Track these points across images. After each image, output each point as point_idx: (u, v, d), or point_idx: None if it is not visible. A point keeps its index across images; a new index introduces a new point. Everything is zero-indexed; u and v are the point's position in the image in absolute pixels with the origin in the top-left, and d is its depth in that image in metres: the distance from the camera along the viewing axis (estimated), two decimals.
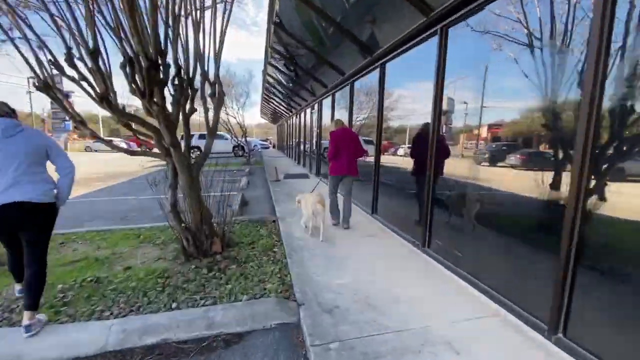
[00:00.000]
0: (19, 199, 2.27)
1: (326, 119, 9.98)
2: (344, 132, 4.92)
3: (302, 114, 14.57)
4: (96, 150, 29.35)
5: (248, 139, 34.53)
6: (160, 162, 4.35)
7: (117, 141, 30.65)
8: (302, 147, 14.99)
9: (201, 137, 20.51)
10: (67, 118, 25.64)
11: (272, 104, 19.91)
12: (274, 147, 40.54)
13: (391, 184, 5.52)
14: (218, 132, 17.06)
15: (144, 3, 3.00)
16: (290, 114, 18.10)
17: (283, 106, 17.94)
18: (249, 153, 14.09)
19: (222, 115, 12.47)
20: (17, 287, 2.81)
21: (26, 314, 2.35)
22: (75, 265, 3.73)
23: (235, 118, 12.99)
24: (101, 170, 13.53)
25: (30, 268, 2.41)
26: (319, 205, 4.42)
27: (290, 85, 12.40)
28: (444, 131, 3.79)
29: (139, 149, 4.16)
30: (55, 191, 2.53)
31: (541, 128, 2.63)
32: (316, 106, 11.00)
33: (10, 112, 2.45)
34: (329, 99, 9.55)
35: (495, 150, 3.13)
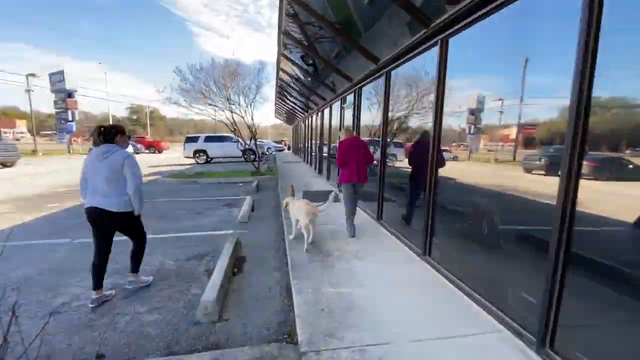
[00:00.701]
0: (105, 207, 2.97)
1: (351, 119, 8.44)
2: (353, 141, 4.98)
3: (322, 113, 12.37)
4: None
5: (261, 140, 33.29)
6: None
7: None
8: (317, 151, 13.20)
9: (208, 139, 19.66)
10: (70, 119, 25.06)
11: (286, 103, 18.38)
12: (288, 149, 38.25)
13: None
14: (226, 134, 15.99)
15: None
16: (307, 113, 17.10)
17: (299, 105, 16.66)
18: (259, 159, 12.65)
19: (227, 113, 11.60)
20: (93, 295, 3.09)
21: (130, 275, 3.34)
22: None
23: (243, 117, 11.41)
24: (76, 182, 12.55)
25: (135, 245, 3.32)
26: (314, 216, 4.42)
27: (309, 79, 11.31)
28: (470, 132, 3.40)
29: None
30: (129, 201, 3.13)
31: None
32: (350, 97, 9.31)
33: (104, 139, 3.03)
34: (351, 96, 8.20)
35: (554, 156, 2.47)
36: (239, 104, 11.26)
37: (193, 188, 9.63)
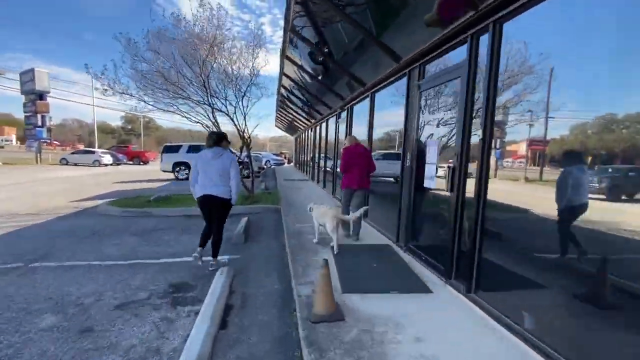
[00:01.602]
0: (215, 194, 3.87)
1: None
2: (357, 148, 5.07)
3: (343, 116, 9.60)
4: (76, 164, 24.91)
5: (259, 153, 29.33)
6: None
7: (101, 153, 26.59)
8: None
9: (192, 149, 16.06)
10: (39, 124, 21.48)
11: (288, 112, 15.65)
12: (289, 162, 34.50)
13: None
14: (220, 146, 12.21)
15: None
16: (312, 121, 13.80)
17: (303, 113, 13.64)
18: (253, 176, 9.04)
19: (213, 114, 7.99)
20: (197, 251, 3.99)
21: (211, 259, 4.03)
22: None
23: (231, 117, 7.81)
24: (27, 201, 8.73)
25: (215, 235, 4.05)
26: (339, 220, 4.56)
27: (318, 80, 8.06)
28: (497, 146, 2.93)
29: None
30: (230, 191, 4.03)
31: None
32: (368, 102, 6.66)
33: (216, 142, 4.04)
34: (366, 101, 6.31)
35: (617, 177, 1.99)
36: (225, 98, 7.66)
37: (138, 228, 5.89)
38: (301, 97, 11.75)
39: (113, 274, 3.75)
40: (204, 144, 10.72)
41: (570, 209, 2.18)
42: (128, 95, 7.32)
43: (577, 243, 2.12)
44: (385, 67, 4.83)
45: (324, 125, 11.52)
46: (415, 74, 4.18)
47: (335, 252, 4.25)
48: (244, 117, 8.30)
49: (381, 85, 5.45)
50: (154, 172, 18.11)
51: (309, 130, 15.73)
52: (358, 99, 6.85)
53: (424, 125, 4.04)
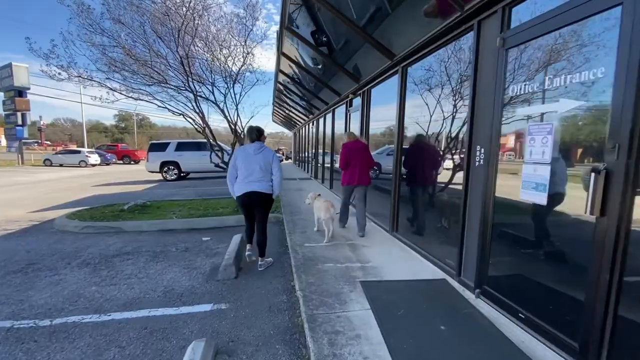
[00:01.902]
0: (258, 190, 3.78)
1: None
2: (356, 144, 5.02)
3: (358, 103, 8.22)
4: (61, 165, 23.31)
5: None
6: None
7: (87, 152, 24.98)
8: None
9: (182, 147, 14.50)
10: (20, 123, 19.81)
11: (286, 106, 14.31)
12: (287, 159, 32.93)
13: None
14: (205, 140, 10.46)
15: None
16: (312, 115, 12.41)
17: (301, 106, 12.22)
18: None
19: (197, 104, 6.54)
20: (248, 246, 4.12)
21: (259, 259, 4.00)
22: None
23: (218, 106, 6.43)
24: None
25: (259, 235, 4.00)
26: (332, 209, 4.71)
27: (319, 69, 6.67)
28: None
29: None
30: (271, 186, 3.95)
31: None
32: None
33: (258, 137, 3.98)
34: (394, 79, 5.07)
35: None
36: (212, 84, 6.21)
37: (95, 252, 4.39)
38: (301, 88, 10.32)
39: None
40: (193, 140, 8.84)
41: None
42: (89, 81, 5.84)
43: None
44: (432, 24, 3.41)
45: (329, 116, 10.05)
46: (492, 23, 2.75)
47: (325, 242, 4.54)
48: (236, 108, 6.87)
49: (423, 52, 3.93)
50: (143, 173, 16.59)
51: (311, 124, 14.26)
52: (379, 79, 5.41)
53: (509, 101, 2.62)
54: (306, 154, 16.63)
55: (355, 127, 6.98)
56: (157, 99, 6.53)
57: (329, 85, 8.04)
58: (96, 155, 24.43)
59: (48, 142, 48.97)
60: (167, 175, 13.58)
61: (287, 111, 16.67)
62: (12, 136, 22.00)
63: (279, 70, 9.55)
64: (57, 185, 12.22)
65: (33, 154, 25.59)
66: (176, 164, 13.53)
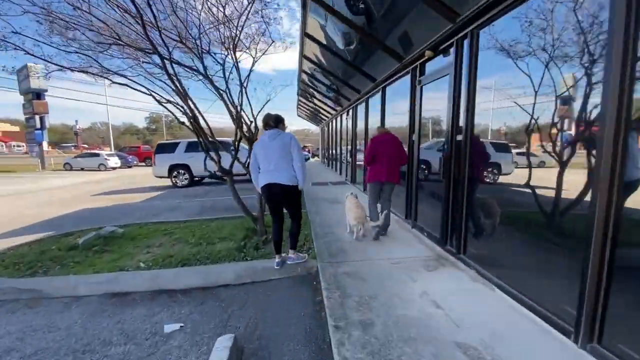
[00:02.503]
0: (278, 182, 3.40)
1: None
2: (385, 137, 4.49)
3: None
4: (82, 168, 22.44)
5: None
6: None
7: (106, 155, 23.98)
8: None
9: (192, 147, 12.34)
10: (38, 126, 18.95)
11: (313, 98, 12.23)
12: (313, 156, 29.56)
13: None
14: (224, 139, 8.25)
15: None
16: (346, 104, 9.87)
17: (327, 102, 9.95)
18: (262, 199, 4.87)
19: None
20: (277, 259, 3.61)
21: (290, 252, 3.67)
22: None
23: (222, 90, 4.28)
24: None
25: (291, 225, 3.64)
26: (361, 222, 4.31)
27: (351, 51, 4.53)
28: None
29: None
30: (295, 177, 3.51)
31: None
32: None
33: (275, 124, 3.51)
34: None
35: None
36: (201, 53, 3.87)
37: None
38: (332, 74, 7.77)
39: None
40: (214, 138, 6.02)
41: None
42: (12, 47, 3.69)
43: None
44: None
45: (376, 100, 7.45)
46: None
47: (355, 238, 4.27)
48: (243, 89, 4.44)
49: None
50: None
51: (344, 115, 11.68)
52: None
53: None
54: (337, 150, 14.06)
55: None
56: (133, 81, 4.33)
57: (362, 72, 5.48)
58: (116, 157, 23.33)
59: (85, 145, 50.20)
60: (177, 181, 11.58)
61: (312, 103, 14.28)
62: (32, 140, 21.37)
63: (302, 56, 7.96)
64: (50, 196, 10.57)
65: (54, 157, 25.07)
66: (187, 168, 11.48)
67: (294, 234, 3.62)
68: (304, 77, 10.88)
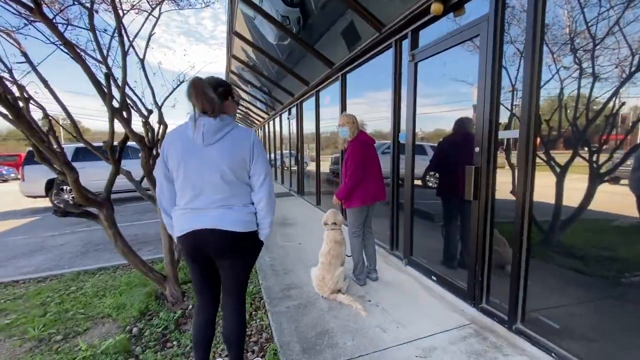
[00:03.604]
0: (218, 227, 1.60)
1: None
2: (366, 138, 3.04)
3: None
4: None
5: None
6: None
7: None
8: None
9: (82, 154, 9.07)
10: None
11: (243, 100, 10.89)
12: None
13: None
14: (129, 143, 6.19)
15: None
16: (279, 108, 8.38)
17: (264, 98, 8.72)
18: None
19: None
20: None
21: None
22: None
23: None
24: None
25: (230, 321, 1.72)
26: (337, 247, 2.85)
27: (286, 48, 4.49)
28: None
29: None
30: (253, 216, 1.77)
31: None
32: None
33: (219, 102, 1.57)
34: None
35: None
36: None
37: None
38: (275, 61, 6.25)
39: None
40: (100, 144, 3.01)
41: None
42: None
43: None
44: None
45: (330, 92, 6.04)
46: None
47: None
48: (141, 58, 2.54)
49: None
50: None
51: (285, 114, 10.07)
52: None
53: None
54: (276, 156, 12.33)
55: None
56: None
57: (316, 52, 4.07)
58: None
59: None
60: (58, 202, 8.49)
61: (241, 106, 12.62)
62: None
63: (231, 56, 7.30)
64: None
65: None
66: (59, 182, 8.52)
67: (234, 340, 1.71)
68: (233, 77, 9.35)
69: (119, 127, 2.46)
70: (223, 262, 1.62)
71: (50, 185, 8.41)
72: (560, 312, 1.93)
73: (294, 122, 8.67)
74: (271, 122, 12.50)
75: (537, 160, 1.98)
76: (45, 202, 9.05)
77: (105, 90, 2.10)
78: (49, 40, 2.25)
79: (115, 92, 2.40)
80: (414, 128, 3.15)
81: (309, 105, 7.19)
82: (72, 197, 8.22)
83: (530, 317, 2.06)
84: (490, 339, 2.13)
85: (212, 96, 1.52)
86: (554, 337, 1.91)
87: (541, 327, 1.99)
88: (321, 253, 2.87)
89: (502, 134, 2.21)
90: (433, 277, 2.94)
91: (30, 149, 8.97)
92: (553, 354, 1.87)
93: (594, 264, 1.77)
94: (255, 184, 1.62)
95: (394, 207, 3.65)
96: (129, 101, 2.63)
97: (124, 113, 2.40)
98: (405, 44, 3.24)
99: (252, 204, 1.65)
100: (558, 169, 1.90)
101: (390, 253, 3.71)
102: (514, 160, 2.13)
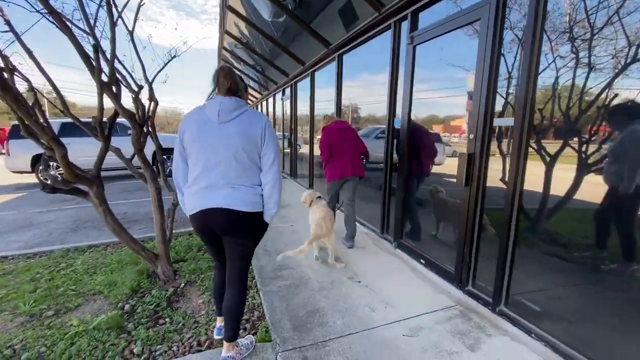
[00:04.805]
0: (227, 206, 1.70)
1: None
2: (340, 125, 3.66)
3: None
4: None
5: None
6: None
7: None
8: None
9: (68, 129, 8.80)
10: None
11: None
12: None
13: None
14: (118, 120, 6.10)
15: None
16: (274, 87, 8.19)
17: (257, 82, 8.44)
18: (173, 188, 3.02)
19: None
20: (218, 323, 2.10)
21: (226, 345, 1.84)
22: None
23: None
24: None
25: (231, 293, 1.86)
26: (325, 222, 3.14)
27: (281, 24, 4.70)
28: None
29: None
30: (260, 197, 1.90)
31: None
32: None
33: (236, 88, 1.73)
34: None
35: None
36: None
37: None
38: (269, 39, 6.07)
39: None
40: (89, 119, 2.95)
41: None
42: None
43: None
44: None
45: (326, 74, 5.95)
46: None
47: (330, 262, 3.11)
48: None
49: None
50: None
51: (278, 95, 9.89)
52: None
53: None
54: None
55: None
56: None
57: (313, 32, 3.94)
58: None
59: None
60: (47, 177, 8.35)
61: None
62: None
63: (224, 31, 7.05)
64: None
65: None
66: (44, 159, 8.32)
67: (233, 310, 1.81)
68: (226, 54, 9.11)
69: (108, 103, 2.39)
70: (229, 239, 1.73)
71: (36, 160, 8.22)
72: (542, 296, 2.02)
73: (287, 103, 8.55)
74: (264, 103, 12.28)
75: (529, 149, 2.01)
76: (32, 178, 8.87)
77: (94, 63, 2.02)
78: (34, 8, 2.13)
79: (105, 67, 2.31)
80: (410, 113, 3.14)
81: (303, 85, 7.07)
82: (60, 173, 8.07)
83: (514, 300, 2.15)
84: (475, 320, 2.22)
85: (237, 80, 1.72)
86: (535, 319, 2.00)
87: (523, 309, 2.08)
88: (314, 221, 3.14)
89: (498, 122, 2.23)
90: (422, 260, 3.02)
91: (16, 122, 8.67)
92: (533, 335, 1.97)
93: (576, 251, 1.84)
94: (265, 164, 1.71)
95: (385, 192, 3.69)
96: (118, 76, 2.54)
97: (114, 88, 2.33)
98: (405, 25, 3.19)
99: (259, 185, 1.74)
100: (548, 159, 1.94)
101: (381, 237, 3.78)
102: (501, 147, 2.17)
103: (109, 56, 2.26)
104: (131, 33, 2.90)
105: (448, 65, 2.77)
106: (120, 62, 2.62)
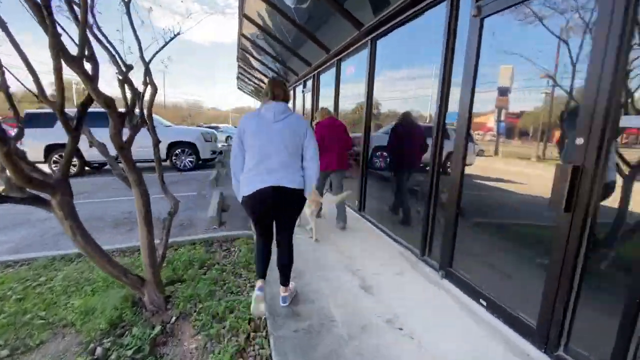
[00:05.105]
0: (285, 184, 2.23)
1: None
2: (332, 122, 4.13)
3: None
4: None
5: (214, 126, 20.17)
6: None
7: None
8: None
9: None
10: None
11: (256, 65, 10.10)
12: None
13: None
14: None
15: None
16: (305, 71, 7.56)
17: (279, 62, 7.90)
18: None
19: None
20: (259, 282, 2.34)
21: (282, 288, 2.42)
22: None
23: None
24: None
25: (283, 255, 2.42)
26: (318, 203, 3.85)
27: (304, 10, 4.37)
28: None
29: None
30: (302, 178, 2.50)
31: None
32: None
33: (285, 97, 2.32)
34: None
35: None
36: None
37: None
38: (277, 37, 5.45)
39: None
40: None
41: None
42: None
43: None
44: None
45: (328, 75, 5.26)
46: None
47: (315, 239, 3.70)
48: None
49: None
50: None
51: (299, 87, 9.25)
52: None
53: None
54: None
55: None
56: None
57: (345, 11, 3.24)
58: None
59: None
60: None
61: (254, 77, 11.88)
62: None
63: (242, 15, 6.54)
64: None
65: None
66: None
67: (285, 265, 2.37)
68: (245, 43, 8.56)
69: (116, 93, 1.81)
70: (280, 209, 2.22)
71: (49, 151, 7.97)
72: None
73: (308, 96, 7.90)
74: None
75: None
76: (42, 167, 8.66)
77: (47, 21, 1.42)
78: None
79: (75, 35, 1.73)
80: (471, 107, 2.43)
81: (327, 77, 6.40)
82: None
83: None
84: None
85: (287, 90, 2.31)
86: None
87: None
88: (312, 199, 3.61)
89: (628, 121, 1.50)
90: (482, 300, 2.31)
91: (30, 111, 8.47)
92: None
93: None
94: (306, 154, 2.24)
95: (430, 205, 2.98)
96: (99, 47, 1.97)
97: (87, 64, 1.75)
98: None
99: (301, 169, 2.25)
100: None
101: (421, 259, 3.08)
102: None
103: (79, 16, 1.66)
104: (127, 3, 2.32)
105: (500, 52, 2.05)
106: (99, 27, 2.04)
